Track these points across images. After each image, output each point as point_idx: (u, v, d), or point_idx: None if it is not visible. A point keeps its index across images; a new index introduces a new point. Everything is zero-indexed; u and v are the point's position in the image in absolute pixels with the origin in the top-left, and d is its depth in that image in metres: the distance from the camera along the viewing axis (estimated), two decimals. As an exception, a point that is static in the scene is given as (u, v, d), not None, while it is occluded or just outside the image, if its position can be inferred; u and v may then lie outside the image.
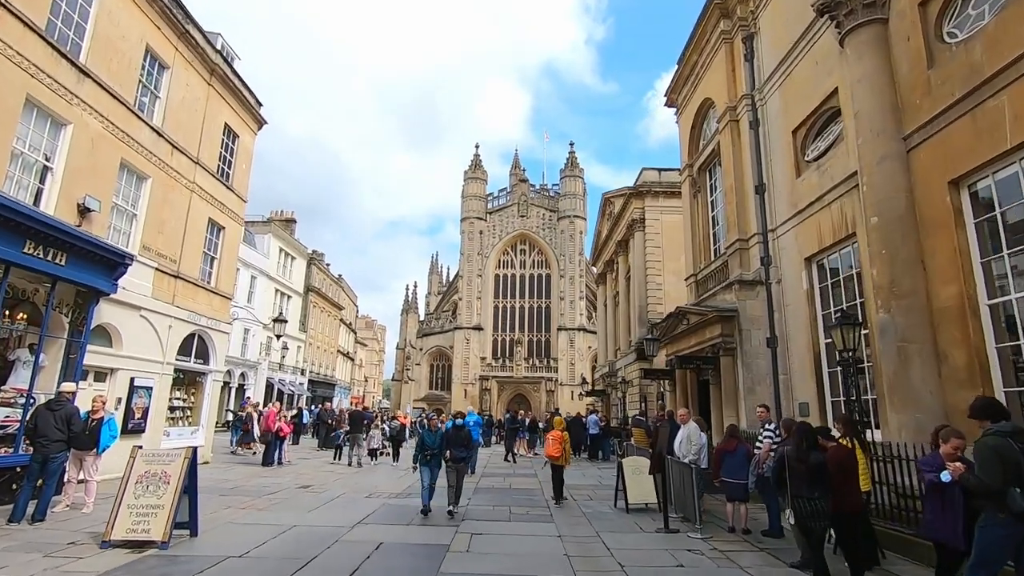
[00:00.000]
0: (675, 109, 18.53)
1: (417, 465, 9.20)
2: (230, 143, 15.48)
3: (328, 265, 49.30)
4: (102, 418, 8.18)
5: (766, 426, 8.01)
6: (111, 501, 6.70)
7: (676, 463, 8.57)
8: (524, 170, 63.28)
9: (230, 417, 25.89)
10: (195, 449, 6.86)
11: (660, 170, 26.98)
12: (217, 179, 14.68)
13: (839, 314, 7.94)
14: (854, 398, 7.91)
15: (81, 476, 8.22)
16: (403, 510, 9.30)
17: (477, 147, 62.62)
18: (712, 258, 15.67)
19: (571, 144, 62.25)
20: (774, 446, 7.71)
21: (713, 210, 16.03)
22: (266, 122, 16.93)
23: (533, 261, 59.60)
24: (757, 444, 8.11)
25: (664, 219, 26.22)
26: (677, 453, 9.20)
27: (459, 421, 9.78)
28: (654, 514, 9.21)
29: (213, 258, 14.91)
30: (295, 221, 42.13)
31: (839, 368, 9.70)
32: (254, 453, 17.03)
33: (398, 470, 15.56)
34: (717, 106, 14.73)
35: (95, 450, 8.10)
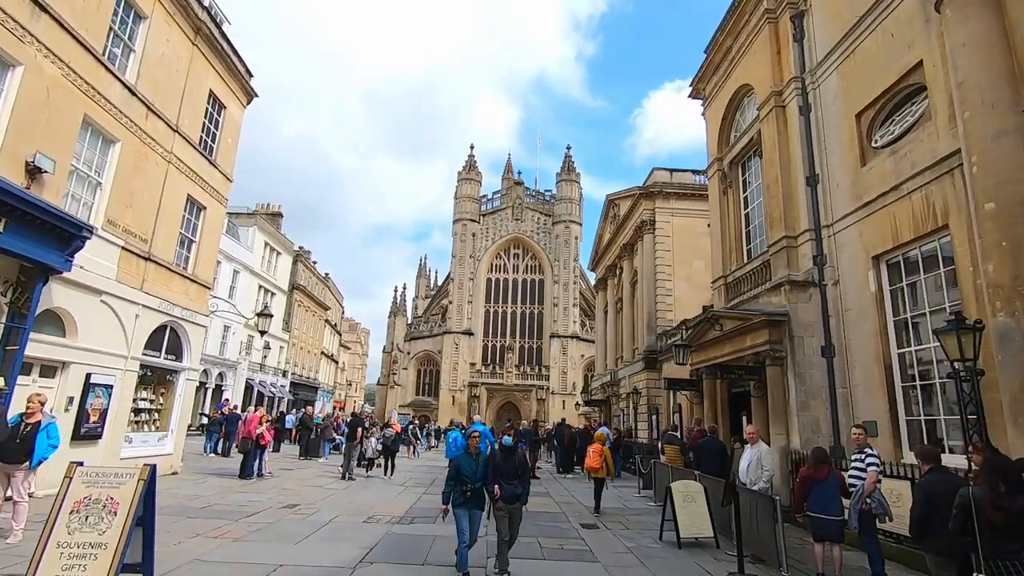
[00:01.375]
0: (702, 101, 17.27)
1: (448, 507, 6.33)
2: (215, 113, 13.81)
3: (315, 263, 47.36)
4: (39, 422, 6.48)
5: (866, 451, 6.57)
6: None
7: (749, 492, 7.11)
8: (519, 173, 62.07)
9: (204, 421, 23.93)
10: (153, 468, 5.22)
11: (671, 171, 25.79)
12: (199, 152, 12.99)
13: (952, 317, 6.60)
14: (973, 417, 6.51)
15: (9, 494, 6.51)
16: (413, 543, 7.70)
17: (472, 148, 61.20)
18: (745, 259, 14.35)
19: (568, 148, 61.26)
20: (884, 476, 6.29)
21: (746, 207, 14.72)
22: (256, 95, 15.29)
23: (526, 266, 58.16)
24: (852, 473, 6.67)
25: (675, 222, 25.02)
26: (742, 478, 7.76)
27: (507, 440, 6.78)
28: (711, 551, 7.75)
29: (191, 241, 13.19)
30: (281, 215, 40.21)
31: (916, 382, 8.42)
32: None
33: (392, 485, 13.90)
34: (758, 92, 13.46)
35: (27, 463, 6.40)
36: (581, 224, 57.65)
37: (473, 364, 53.74)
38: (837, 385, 10.30)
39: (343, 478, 14.27)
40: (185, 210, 12.71)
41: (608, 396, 29.13)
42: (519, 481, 6.39)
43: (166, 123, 11.65)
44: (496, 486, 6.19)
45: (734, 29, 14.56)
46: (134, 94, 10.61)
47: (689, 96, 17.88)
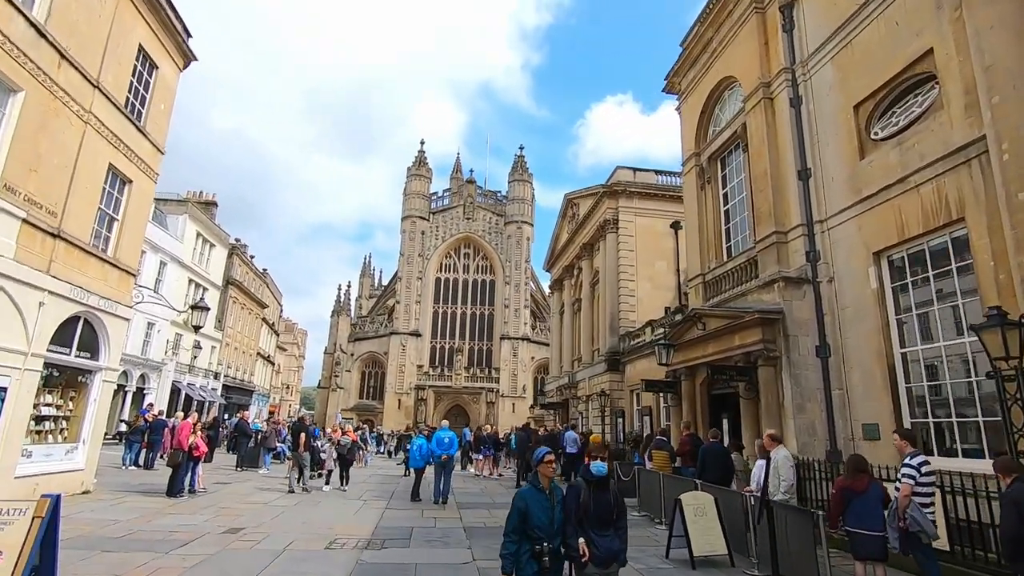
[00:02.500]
0: (677, 96, 16.83)
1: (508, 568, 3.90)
2: (145, 73, 11.94)
3: (252, 258, 44.29)
4: None
5: (907, 460, 5.95)
6: None
7: (783, 507, 6.36)
8: (472, 171, 60.80)
9: (124, 428, 21.33)
10: (56, 501, 3.80)
11: (635, 169, 25.47)
12: (124, 115, 11.13)
13: (994, 312, 6.14)
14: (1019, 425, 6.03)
15: None
16: (392, 573, 6.46)
17: (422, 143, 59.44)
18: (724, 257, 13.91)
19: (520, 148, 60.66)
20: (920, 488, 5.67)
21: (726, 204, 14.31)
22: (195, 58, 13.45)
23: (477, 266, 56.99)
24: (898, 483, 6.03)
25: (639, 221, 24.67)
26: (754, 488, 7.05)
27: (600, 468, 4.37)
28: (727, 570, 6.97)
29: (113, 219, 11.28)
30: (216, 204, 37.18)
31: (924, 383, 8.01)
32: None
33: (348, 498, 12.46)
34: (743, 85, 13.04)
35: None
36: (533, 225, 57.13)
37: (420, 366, 51.98)
38: (833, 386, 9.88)
39: (291, 491, 12.69)
40: (106, 182, 10.82)
41: (566, 399, 28.46)
42: (615, 531, 4.20)
43: (84, 75, 9.80)
44: (581, 540, 4.03)
45: (716, 20, 14.13)
46: (42, 35, 8.77)
47: (663, 91, 17.41)
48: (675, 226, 24.67)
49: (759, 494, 7.35)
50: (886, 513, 5.80)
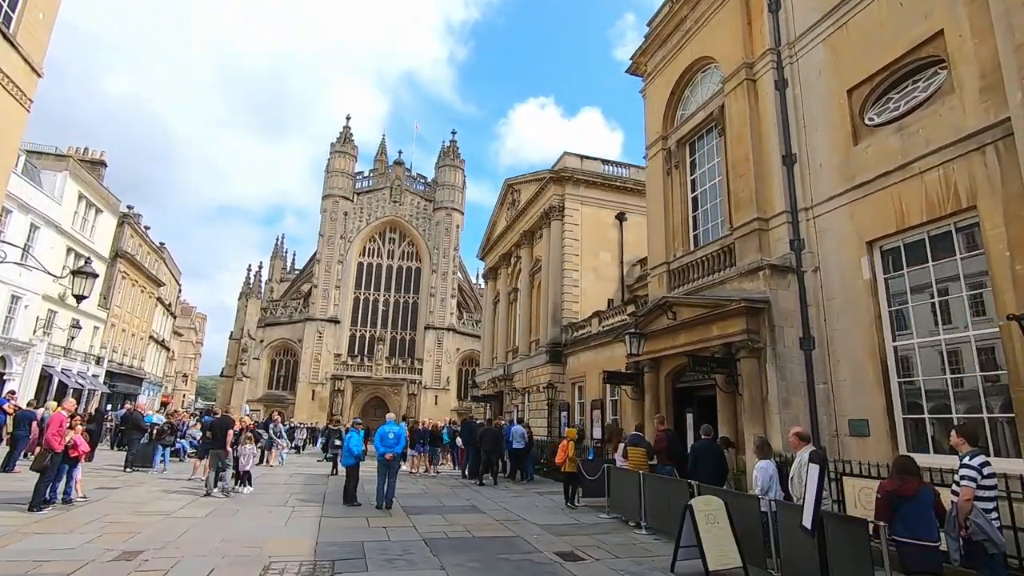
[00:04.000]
0: (642, 77, 16.16)
1: None
2: (20, -32, 9.31)
3: (148, 229, 39.31)
4: None
5: (966, 460, 5.34)
6: None
7: (832, 517, 5.57)
8: (401, 152, 58.00)
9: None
10: None
11: (582, 157, 24.80)
12: (-13, 15, 8.54)
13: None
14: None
15: None
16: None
17: (348, 118, 55.79)
18: (692, 245, 13.37)
19: (453, 132, 58.86)
20: (982, 492, 5.09)
21: (694, 190, 13.78)
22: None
23: (403, 252, 54.50)
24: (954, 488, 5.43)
25: (584, 211, 24.04)
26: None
27: None
28: (745, 586, 6.14)
29: (-35, 150, 8.66)
30: (105, 164, 32.36)
31: (920, 377, 7.66)
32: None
33: (272, 504, 10.56)
34: (722, 66, 12.49)
35: None
36: (463, 213, 55.51)
37: (338, 355, 48.88)
38: (817, 380, 9.47)
39: (208, 495, 10.66)
40: (-44, 99, 8.22)
41: (500, 391, 27.40)
42: None
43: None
44: None
45: (692, -1, 13.52)
46: None
47: (627, 72, 16.69)
48: (620, 217, 24.36)
49: (766, 497, 6.62)
50: (946, 520, 5.18)
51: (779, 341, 9.71)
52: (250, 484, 12.36)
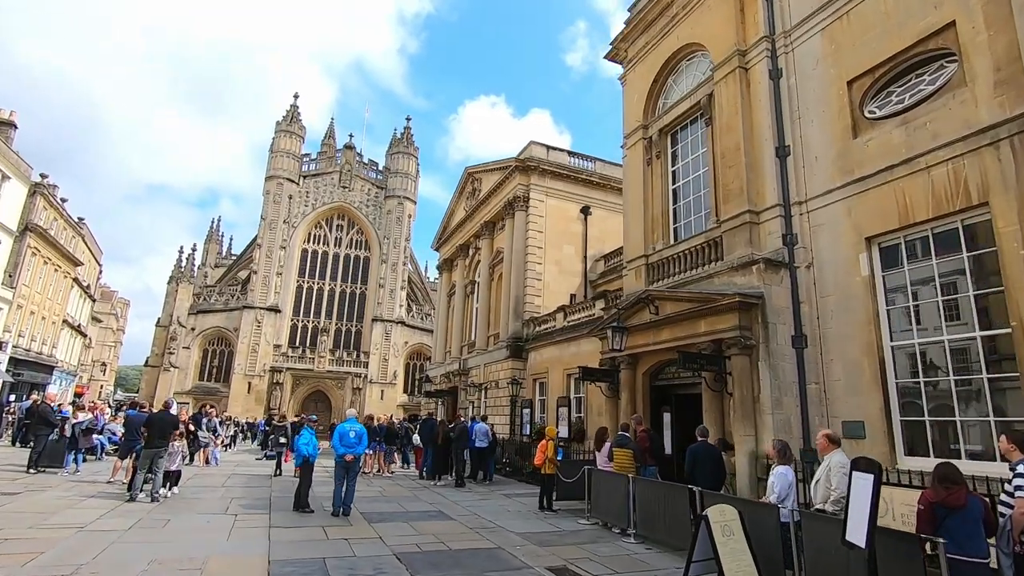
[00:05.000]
0: (623, 64, 15.58)
1: None
2: None
3: (64, 202, 35.56)
4: None
5: (1020, 468, 4.93)
6: None
7: (884, 533, 5.02)
8: (352, 136, 55.46)
9: None
10: None
11: (548, 147, 24.15)
12: None
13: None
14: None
15: None
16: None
17: (296, 97, 52.70)
18: (672, 239, 12.92)
19: (408, 119, 56.52)
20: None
21: (675, 181, 13.33)
22: None
23: (351, 240, 52.20)
24: (1004, 499, 5.01)
25: (549, 202, 23.42)
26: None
27: None
28: (765, 604, 5.56)
29: None
30: (15, 126, 28.88)
31: (920, 378, 7.40)
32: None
33: (210, 512, 9.21)
34: (712, 53, 12.04)
35: None
36: (416, 202, 53.82)
37: (278, 346, 46.22)
38: (808, 380, 9.14)
39: (131, 499, 9.22)
40: None
41: (454, 386, 26.39)
42: None
43: None
44: None
45: (680, -19, 13.04)
46: None
47: (606, 57, 16.08)
48: (585, 211, 23.88)
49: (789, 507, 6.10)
50: (997, 533, 4.76)
51: (772, 339, 9.32)
52: (176, 486, 10.90)
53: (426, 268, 63.75)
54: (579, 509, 10.22)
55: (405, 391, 49.45)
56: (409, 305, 52.31)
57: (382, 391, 47.24)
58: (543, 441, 10.78)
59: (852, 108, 9.33)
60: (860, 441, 8.32)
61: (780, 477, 6.22)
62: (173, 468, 10.71)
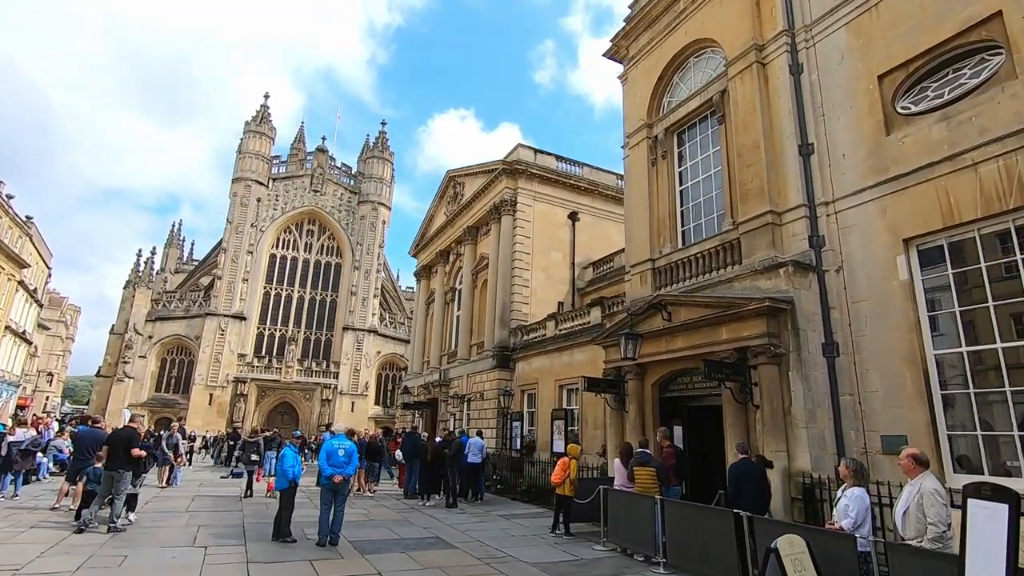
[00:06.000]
0: (623, 62, 15.01)
1: None
2: None
3: (11, 199, 33.09)
4: None
5: None
6: None
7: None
8: (324, 139, 53.81)
9: None
10: None
11: (536, 151, 23.50)
12: None
13: None
14: None
15: None
16: None
17: (267, 96, 50.90)
18: (680, 242, 12.29)
19: (383, 123, 55.30)
20: None
21: (683, 183, 12.74)
22: None
23: (323, 246, 50.42)
24: None
25: (537, 207, 22.70)
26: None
27: None
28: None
29: None
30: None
31: (970, 389, 6.85)
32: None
33: (173, 544, 7.96)
34: (726, 48, 11.53)
35: None
36: (391, 208, 52.49)
37: (243, 355, 44.01)
38: (841, 391, 8.54)
39: (81, 530, 7.90)
40: None
41: (434, 397, 25.22)
42: None
43: None
44: None
45: (689, -24, 12.55)
46: None
47: (605, 55, 15.51)
48: (573, 217, 23.25)
49: (866, 536, 5.36)
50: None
51: (804, 347, 8.70)
52: (132, 511, 9.58)
53: (398, 276, 62.30)
54: (591, 532, 9.35)
55: (377, 403, 47.75)
56: (382, 314, 50.76)
57: (353, 403, 45.46)
58: (564, 459, 9.84)
59: (884, 104, 8.85)
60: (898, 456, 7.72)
61: (857, 500, 5.48)
62: (133, 490, 9.40)
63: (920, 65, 8.56)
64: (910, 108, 8.59)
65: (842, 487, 6.00)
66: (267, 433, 17.07)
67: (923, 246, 8.09)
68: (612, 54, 15.35)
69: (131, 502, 9.75)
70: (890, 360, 8.08)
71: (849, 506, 5.58)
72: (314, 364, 45.94)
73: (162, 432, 16.29)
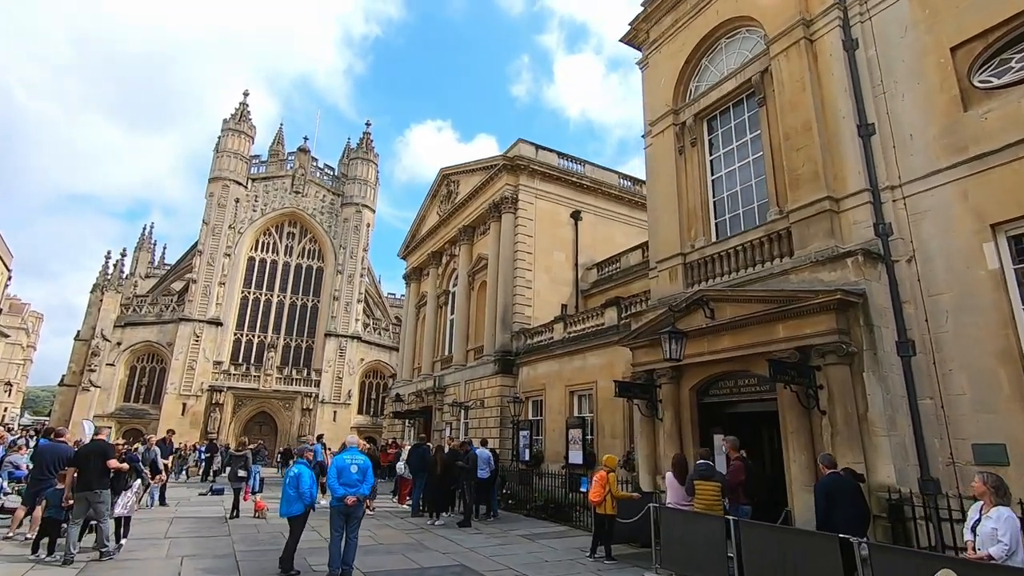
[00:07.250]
0: (642, 47, 14.16)
1: None
2: None
3: (-32, 194, 30.74)
4: None
5: None
6: None
7: None
8: (305, 139, 51.97)
9: None
10: None
11: (537, 147, 22.52)
12: None
13: None
14: None
15: None
16: None
17: (246, 94, 49.05)
18: (713, 236, 11.39)
19: (367, 123, 53.68)
20: None
21: (714, 172, 11.85)
22: None
23: (304, 249, 48.54)
24: None
25: (539, 205, 21.72)
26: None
27: None
28: None
29: None
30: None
31: None
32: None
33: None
34: (766, 26, 10.70)
35: None
36: (375, 211, 50.96)
37: (219, 363, 41.85)
38: (920, 394, 7.65)
39: (67, 563, 6.52)
40: None
41: (428, 406, 23.90)
42: None
43: None
44: None
45: (719, -49, 11.75)
46: None
47: (622, 40, 14.66)
48: (575, 216, 22.31)
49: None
50: None
51: (879, 344, 7.79)
52: (125, 536, 8.24)
53: (380, 281, 60.61)
54: (635, 555, 8.29)
55: (361, 412, 45.94)
56: (366, 320, 49.06)
57: (335, 412, 43.61)
58: (600, 472, 8.76)
59: (959, 78, 8.07)
60: (1000, 468, 6.81)
61: (1008, 523, 4.50)
62: (121, 512, 8.05)
63: (1001, 35, 7.80)
64: (991, 82, 7.81)
65: (976, 506, 5.04)
66: (253, 446, 15.55)
67: (1014, 231, 7.28)
68: (630, 39, 14.49)
69: (126, 525, 8.41)
70: (980, 359, 7.22)
71: (998, 530, 4.59)
72: (294, 372, 43.99)
73: (138, 446, 14.63)
